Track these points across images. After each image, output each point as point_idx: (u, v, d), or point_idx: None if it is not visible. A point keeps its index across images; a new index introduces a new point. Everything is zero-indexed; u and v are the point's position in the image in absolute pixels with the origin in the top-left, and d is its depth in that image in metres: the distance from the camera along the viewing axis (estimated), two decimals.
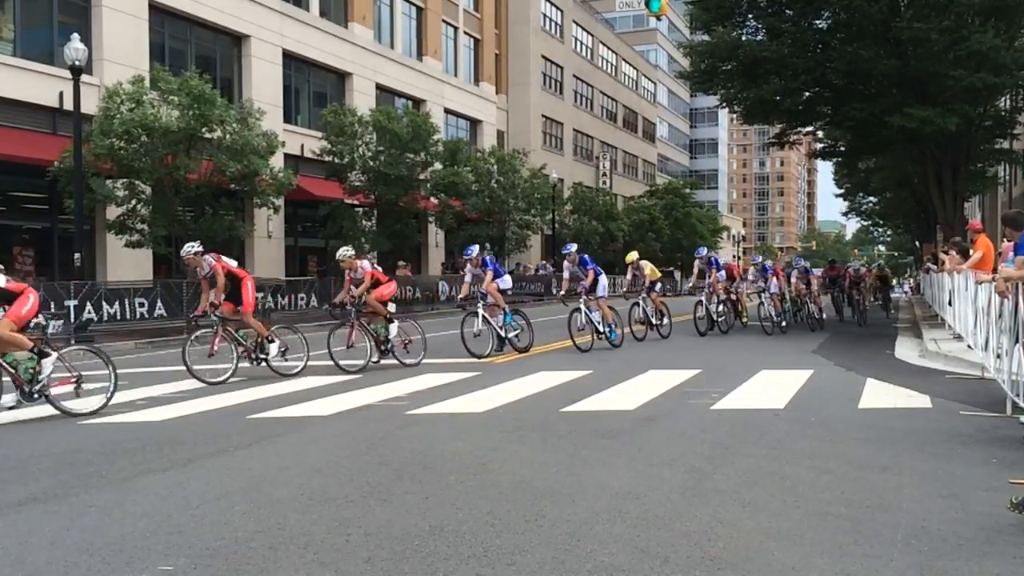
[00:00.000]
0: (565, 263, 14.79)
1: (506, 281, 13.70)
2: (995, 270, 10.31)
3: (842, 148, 34.38)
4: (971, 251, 13.36)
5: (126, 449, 6.56)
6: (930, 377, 10.31)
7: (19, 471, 5.89)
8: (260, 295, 21.23)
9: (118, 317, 17.86)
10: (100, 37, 23.25)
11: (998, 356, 8.09)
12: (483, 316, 12.70)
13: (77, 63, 17.62)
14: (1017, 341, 7.11)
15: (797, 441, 6.47)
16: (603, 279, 14.69)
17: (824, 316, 20.26)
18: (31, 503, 5.03)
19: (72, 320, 16.45)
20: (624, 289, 18.07)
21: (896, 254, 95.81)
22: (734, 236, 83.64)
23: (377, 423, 7.54)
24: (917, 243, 49.28)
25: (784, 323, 18.05)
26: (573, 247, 14.98)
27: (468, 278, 13.11)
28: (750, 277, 18.33)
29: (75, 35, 18.37)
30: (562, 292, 15.12)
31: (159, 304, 18.84)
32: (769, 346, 14.86)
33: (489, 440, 6.68)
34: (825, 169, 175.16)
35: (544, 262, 42.13)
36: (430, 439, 6.74)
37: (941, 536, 4.17)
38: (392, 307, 12.22)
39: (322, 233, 30.14)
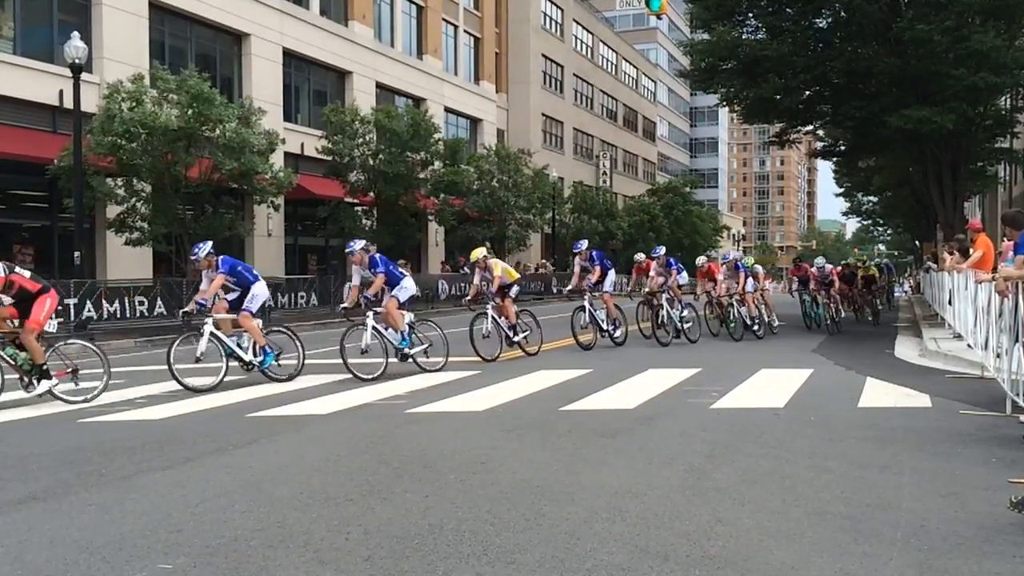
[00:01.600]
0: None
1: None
2: (995, 269, 10.31)
3: (842, 147, 34.39)
4: (971, 250, 13.35)
5: (126, 447, 6.56)
6: (930, 376, 10.31)
7: (19, 469, 5.89)
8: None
9: (118, 315, 17.87)
10: (100, 35, 23.25)
11: (998, 355, 8.10)
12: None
13: (77, 61, 17.62)
14: (1017, 340, 7.11)
15: (797, 440, 6.47)
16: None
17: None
18: (31, 501, 5.03)
19: (72, 318, 16.45)
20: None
21: (896, 253, 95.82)
22: (734, 235, 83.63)
23: (376, 422, 7.55)
24: (917, 243, 49.28)
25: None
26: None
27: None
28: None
29: (75, 33, 18.37)
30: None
31: (159, 302, 18.84)
32: (769, 345, 14.85)
33: (489, 439, 6.68)
34: (825, 168, 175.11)
35: (543, 261, 42.14)
36: (430, 438, 6.74)
37: (941, 535, 4.17)
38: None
39: (322, 232, 30.16)
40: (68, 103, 19.78)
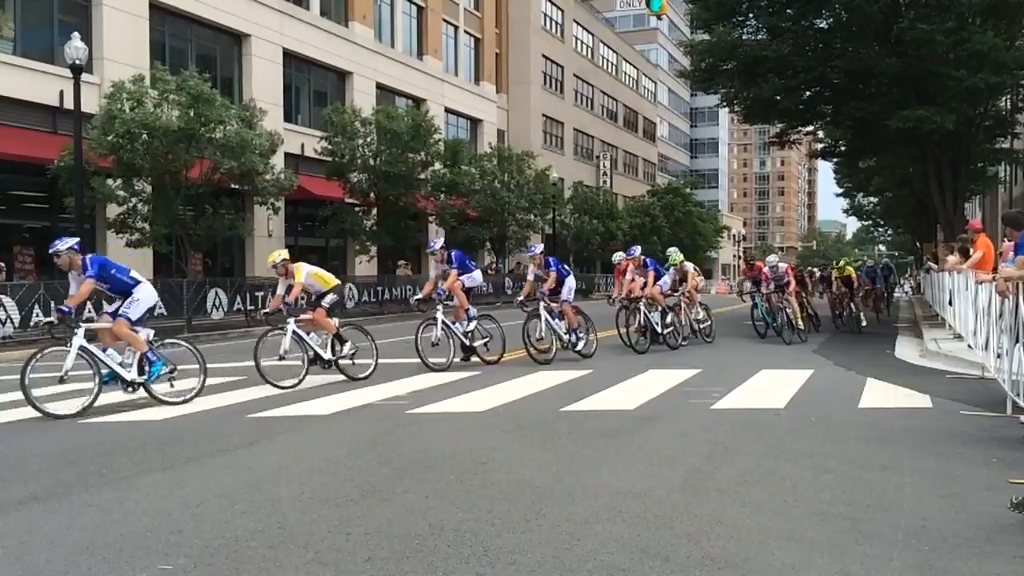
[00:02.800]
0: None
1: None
2: (995, 270, 10.30)
3: (842, 148, 34.38)
4: (971, 251, 13.35)
5: (126, 448, 6.56)
6: (930, 377, 10.31)
7: (19, 470, 5.89)
8: (260, 294, 21.34)
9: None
10: (100, 36, 23.25)
11: (998, 356, 8.09)
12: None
13: (77, 62, 17.62)
14: (1017, 341, 7.11)
15: (797, 441, 6.47)
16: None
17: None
18: (31, 502, 5.03)
19: (72, 319, 16.41)
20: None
21: (896, 254, 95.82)
22: (735, 236, 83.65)
23: (377, 422, 7.55)
24: (918, 243, 49.26)
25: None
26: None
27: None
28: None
29: (75, 34, 18.36)
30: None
31: (159, 303, 18.80)
32: (769, 346, 14.85)
33: (489, 439, 6.68)
34: (825, 169, 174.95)
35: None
36: (430, 438, 6.74)
37: (941, 536, 4.16)
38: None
39: (323, 233, 30.16)
40: (68, 104, 19.78)
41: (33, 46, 22.33)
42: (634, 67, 68.80)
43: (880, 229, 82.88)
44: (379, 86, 35.03)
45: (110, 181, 19.68)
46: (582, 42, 57.47)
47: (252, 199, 23.12)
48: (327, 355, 10.20)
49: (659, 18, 37.90)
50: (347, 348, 10.38)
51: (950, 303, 14.68)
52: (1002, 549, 3.97)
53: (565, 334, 12.44)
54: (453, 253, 11.56)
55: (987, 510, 4.54)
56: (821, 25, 24.35)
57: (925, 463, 5.69)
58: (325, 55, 32.11)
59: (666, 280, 14.72)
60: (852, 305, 19.09)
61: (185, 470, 5.80)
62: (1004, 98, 26.45)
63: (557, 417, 7.69)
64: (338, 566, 3.85)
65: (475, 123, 43.72)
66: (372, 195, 28.53)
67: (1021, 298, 7.02)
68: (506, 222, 35.31)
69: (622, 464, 5.76)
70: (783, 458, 5.87)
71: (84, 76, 18.56)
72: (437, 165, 31.42)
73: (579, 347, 12.53)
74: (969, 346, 11.27)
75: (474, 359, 11.80)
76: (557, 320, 12.41)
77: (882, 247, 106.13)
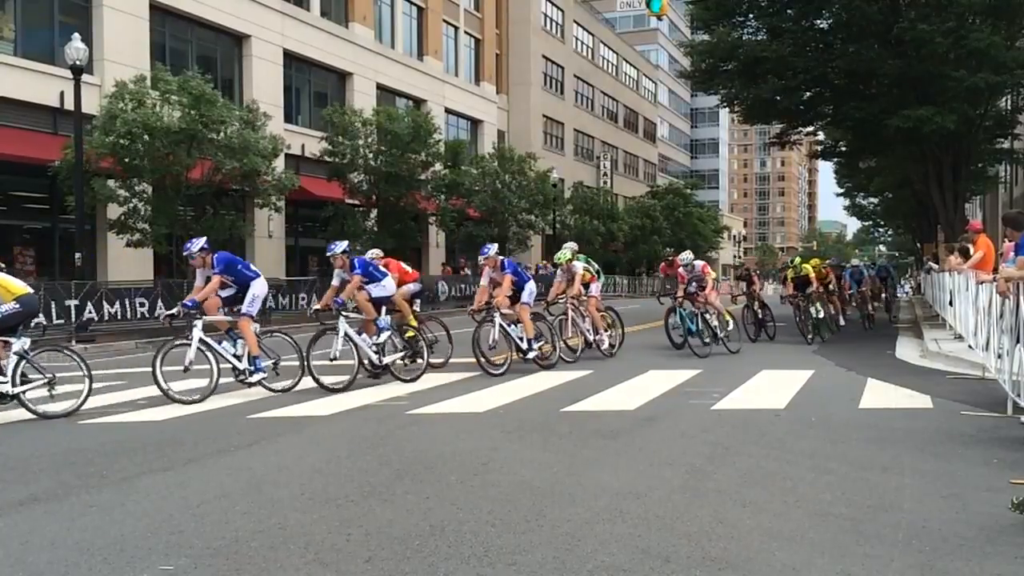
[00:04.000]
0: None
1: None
2: (996, 270, 10.30)
3: (842, 148, 34.39)
4: (971, 251, 13.36)
5: (127, 449, 6.56)
6: (931, 377, 10.30)
7: (20, 471, 5.89)
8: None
9: (119, 317, 17.85)
10: (101, 37, 23.26)
11: (999, 356, 8.09)
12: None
13: (78, 63, 17.63)
14: (1018, 341, 7.11)
15: (798, 441, 6.47)
16: (531, 286, 11.73)
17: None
18: (32, 503, 5.03)
19: (73, 320, 16.45)
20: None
21: (897, 254, 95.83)
22: (735, 236, 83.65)
23: (377, 423, 7.55)
24: (918, 244, 49.26)
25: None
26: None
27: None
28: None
29: (76, 35, 18.37)
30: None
31: (160, 304, 18.82)
32: (769, 346, 14.85)
33: (489, 440, 6.68)
34: (826, 169, 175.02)
35: (544, 262, 42.13)
36: (430, 439, 6.74)
37: (942, 536, 4.16)
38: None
39: (323, 234, 30.16)
40: (69, 104, 19.78)
41: (33, 47, 22.34)
42: (634, 68, 68.81)
43: (880, 229, 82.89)
44: (379, 87, 35.04)
45: (111, 182, 19.70)
46: (582, 43, 57.48)
47: (253, 200, 23.14)
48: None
49: (659, 19, 37.91)
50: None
51: (951, 303, 14.67)
52: (1003, 550, 3.97)
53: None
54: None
55: (988, 511, 4.53)
56: (821, 25, 24.35)
57: (926, 464, 5.69)
58: (325, 56, 32.12)
59: (531, 287, 11.70)
60: (815, 309, 15.78)
61: (186, 471, 5.80)
62: (1004, 98, 26.45)
63: (557, 418, 7.69)
64: (338, 567, 3.85)
65: (475, 124, 43.73)
66: (373, 196, 28.53)
67: (1021, 298, 7.02)
68: (507, 222, 35.32)
69: (622, 465, 5.76)
70: (784, 459, 5.87)
71: (84, 77, 18.57)
72: (437, 166, 31.42)
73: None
74: (970, 346, 11.26)
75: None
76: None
77: (882, 247, 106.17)
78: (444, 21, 40.80)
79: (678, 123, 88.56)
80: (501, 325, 10.91)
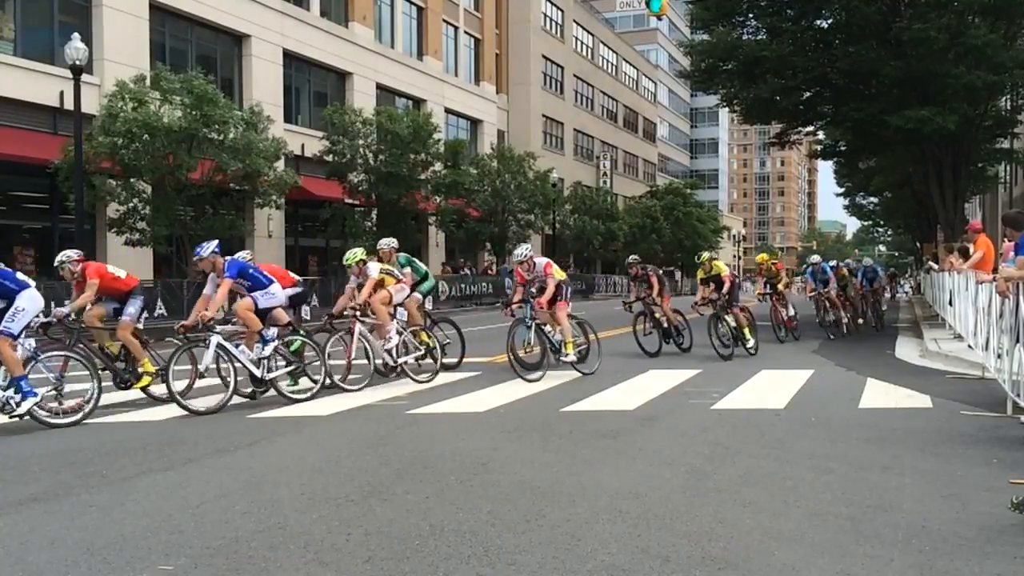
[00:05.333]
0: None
1: (272, 295, 9.10)
2: (995, 270, 10.31)
3: (842, 148, 34.40)
4: (971, 251, 13.36)
5: (127, 448, 6.56)
6: (931, 377, 10.31)
7: (19, 471, 5.89)
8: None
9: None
10: (101, 36, 23.25)
11: (999, 356, 8.09)
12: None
13: (78, 63, 17.62)
14: (1018, 341, 7.11)
15: (798, 441, 6.47)
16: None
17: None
18: (32, 503, 5.03)
19: (73, 319, 16.42)
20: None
21: (897, 254, 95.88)
22: (735, 236, 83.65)
23: (377, 423, 7.55)
24: (918, 243, 49.30)
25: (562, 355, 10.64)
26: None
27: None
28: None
29: (75, 35, 18.37)
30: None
31: (159, 304, 18.83)
32: (769, 346, 14.83)
33: (489, 440, 6.68)
34: (826, 169, 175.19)
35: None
36: (430, 439, 6.74)
37: (942, 536, 4.16)
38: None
39: (323, 234, 30.18)
40: (68, 104, 19.79)
41: (33, 47, 22.34)
42: (634, 67, 68.80)
43: (880, 229, 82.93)
44: (379, 87, 35.04)
45: (111, 181, 19.71)
46: (582, 43, 57.47)
47: (252, 200, 23.15)
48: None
49: (659, 18, 37.95)
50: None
51: (950, 303, 14.67)
52: (1003, 550, 3.97)
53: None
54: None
55: (988, 511, 4.53)
56: (821, 25, 24.36)
57: (926, 463, 5.69)
58: (325, 56, 32.12)
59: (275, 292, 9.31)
60: (731, 317, 12.93)
61: (185, 471, 5.80)
62: (1004, 98, 26.46)
63: (557, 418, 7.69)
64: (338, 566, 3.85)
65: (475, 124, 43.73)
66: (372, 196, 28.54)
67: (1021, 298, 7.02)
68: (507, 222, 35.34)
69: (622, 465, 5.76)
70: (783, 459, 5.87)
71: (84, 77, 18.56)
72: (437, 165, 31.43)
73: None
74: (969, 346, 11.26)
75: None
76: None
77: (882, 247, 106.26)
78: (444, 21, 40.79)
79: (678, 123, 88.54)
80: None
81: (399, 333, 10.11)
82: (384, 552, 4.02)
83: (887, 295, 26.78)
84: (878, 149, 29.48)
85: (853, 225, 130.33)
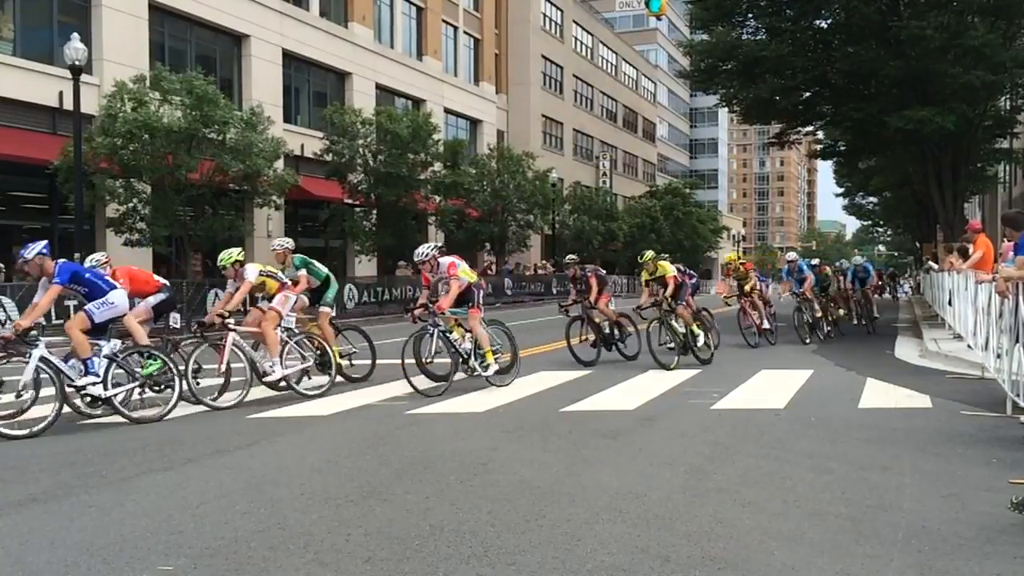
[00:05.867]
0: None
1: (111, 305, 8.14)
2: (995, 270, 10.30)
3: (842, 148, 34.42)
4: (971, 251, 13.37)
5: (126, 449, 6.56)
6: (930, 377, 10.30)
7: (19, 471, 5.89)
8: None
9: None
10: (100, 37, 23.24)
11: (998, 356, 8.09)
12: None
13: (77, 63, 17.61)
14: (1017, 341, 7.11)
15: (797, 441, 6.47)
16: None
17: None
18: (31, 503, 5.03)
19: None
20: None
21: (896, 254, 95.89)
22: (734, 236, 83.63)
23: (377, 423, 7.55)
24: (917, 243, 49.31)
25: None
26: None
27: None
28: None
29: (75, 35, 18.36)
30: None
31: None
32: (769, 346, 14.83)
33: (489, 440, 6.68)
34: (825, 169, 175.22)
35: (544, 261, 42.12)
36: (430, 439, 6.74)
37: (942, 536, 4.16)
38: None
39: (323, 234, 30.18)
40: (68, 104, 19.77)
41: (33, 47, 22.33)
42: (633, 67, 68.80)
43: (880, 229, 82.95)
44: (379, 87, 35.03)
45: (111, 181, 19.70)
46: (581, 42, 57.47)
47: (252, 200, 23.16)
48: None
49: (658, 18, 37.86)
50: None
51: (950, 303, 14.68)
52: (1002, 549, 3.97)
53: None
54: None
55: (987, 510, 4.53)
56: (820, 25, 24.37)
57: (925, 463, 5.69)
58: (325, 56, 32.11)
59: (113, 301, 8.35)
60: (678, 321, 11.74)
61: (185, 471, 5.80)
62: (1004, 98, 26.46)
63: (557, 418, 7.69)
64: (338, 566, 3.85)
65: (475, 124, 43.72)
66: (372, 196, 28.55)
67: (1021, 298, 7.02)
68: (507, 222, 35.35)
69: (622, 465, 5.76)
70: (783, 458, 5.87)
71: (83, 77, 18.55)
72: (437, 165, 31.43)
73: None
74: (969, 346, 11.27)
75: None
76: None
77: (882, 247, 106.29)
78: (443, 21, 40.78)
79: (677, 123, 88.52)
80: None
81: (283, 343, 9.12)
82: (384, 552, 4.02)
83: (886, 295, 26.38)
84: (878, 149, 29.50)
85: (853, 225, 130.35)
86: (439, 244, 11.13)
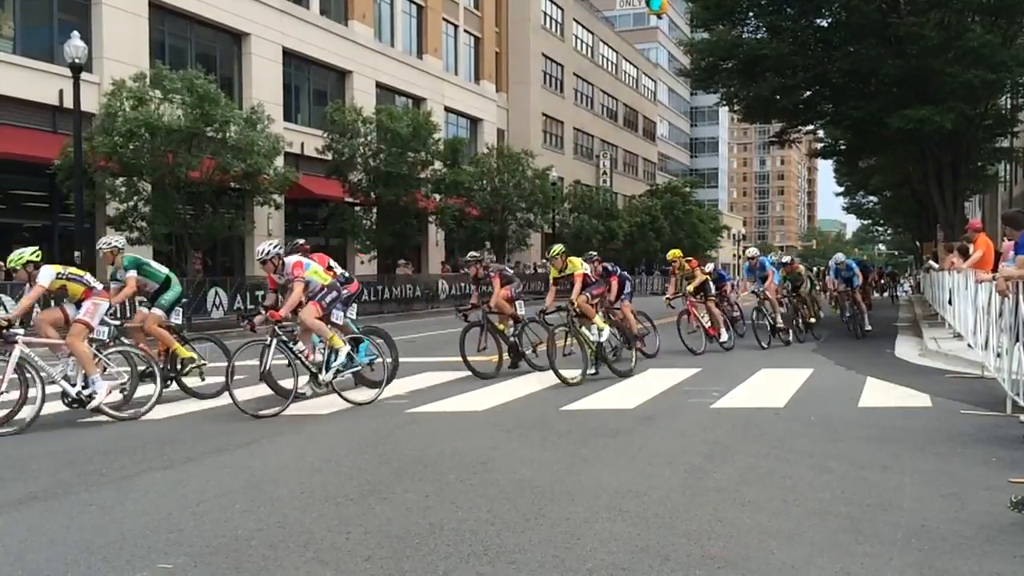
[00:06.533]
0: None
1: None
2: (995, 269, 10.31)
3: (842, 147, 34.41)
4: (971, 250, 13.36)
5: (126, 447, 6.56)
6: (930, 376, 10.30)
7: (19, 469, 5.89)
8: (261, 293, 21.33)
9: (118, 315, 17.79)
10: (100, 35, 23.23)
11: (998, 355, 8.09)
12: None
13: (77, 61, 17.60)
14: (1017, 340, 7.11)
15: (797, 440, 6.47)
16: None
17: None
18: (31, 501, 5.03)
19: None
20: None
21: (896, 253, 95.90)
22: (734, 235, 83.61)
23: (377, 422, 7.55)
24: (917, 242, 49.32)
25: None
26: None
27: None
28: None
29: (75, 33, 18.34)
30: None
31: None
32: (769, 346, 14.81)
33: (489, 439, 6.68)
34: (826, 168, 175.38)
35: (544, 260, 42.07)
36: (430, 437, 6.74)
37: (941, 535, 4.17)
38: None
39: (323, 233, 30.17)
40: (68, 103, 19.76)
41: (33, 45, 22.31)
42: (634, 66, 68.78)
43: (880, 228, 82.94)
44: (379, 85, 35.02)
45: (111, 179, 19.70)
46: (582, 41, 57.45)
47: (252, 198, 23.15)
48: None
49: (659, 17, 37.93)
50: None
51: (950, 302, 14.68)
52: (1002, 549, 3.97)
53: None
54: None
55: (987, 510, 4.54)
56: (821, 24, 24.37)
57: (925, 463, 5.69)
58: (325, 54, 32.10)
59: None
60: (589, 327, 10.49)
61: (185, 469, 5.80)
62: (1004, 97, 26.46)
63: (557, 416, 7.69)
64: (338, 565, 3.85)
65: (475, 122, 43.70)
66: (372, 195, 28.54)
67: (1021, 297, 7.02)
68: (506, 221, 35.34)
69: (622, 463, 5.76)
70: (783, 457, 5.87)
71: (84, 75, 18.54)
72: (437, 164, 31.43)
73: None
74: (969, 345, 11.27)
75: None
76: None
77: (882, 246, 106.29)
78: (444, 19, 40.76)
79: (678, 122, 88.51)
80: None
81: (94, 355, 8.09)
82: (384, 551, 4.02)
83: (885, 295, 25.89)
84: (878, 148, 29.49)
85: (853, 224, 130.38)
86: (298, 241, 10.32)
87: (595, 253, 12.60)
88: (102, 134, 19.10)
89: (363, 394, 8.84)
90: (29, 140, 21.29)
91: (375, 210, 29.43)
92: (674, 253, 14.43)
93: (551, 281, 10.96)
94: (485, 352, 10.54)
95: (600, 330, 10.42)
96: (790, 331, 14.66)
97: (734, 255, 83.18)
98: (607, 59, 62.26)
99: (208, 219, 21.34)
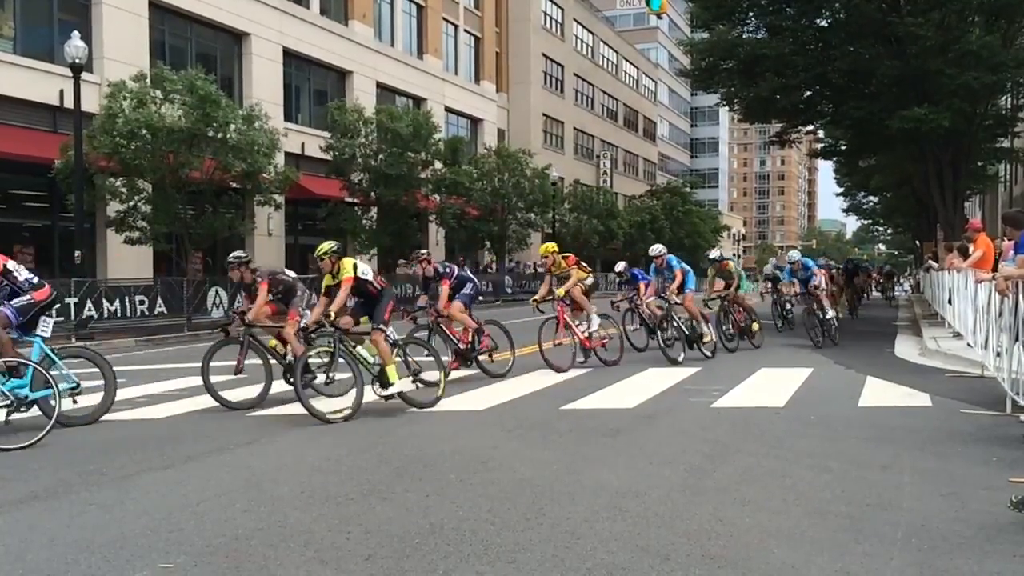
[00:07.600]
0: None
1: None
2: (995, 269, 10.30)
3: (842, 147, 34.40)
4: (971, 250, 13.37)
5: (126, 447, 6.56)
6: (930, 375, 10.30)
7: (19, 469, 5.89)
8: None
9: (118, 315, 17.87)
10: (100, 35, 23.25)
11: (998, 354, 8.09)
12: None
13: (77, 61, 17.61)
14: (1017, 339, 7.11)
15: (797, 439, 6.47)
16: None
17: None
18: (31, 501, 5.03)
19: (72, 318, 16.46)
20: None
21: (896, 253, 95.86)
22: (735, 235, 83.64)
23: (377, 421, 7.55)
24: (918, 242, 49.30)
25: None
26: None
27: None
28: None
29: (75, 33, 18.36)
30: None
31: (159, 302, 18.85)
32: (769, 345, 14.82)
33: (489, 438, 6.68)
34: (826, 168, 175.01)
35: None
36: (430, 437, 6.74)
37: (941, 535, 4.17)
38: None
39: (324, 232, 30.17)
40: (68, 103, 19.77)
41: (33, 45, 22.33)
42: (634, 66, 68.78)
43: (880, 228, 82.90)
44: (379, 85, 35.03)
45: (112, 179, 19.71)
46: (582, 41, 57.46)
47: (252, 198, 23.16)
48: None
49: (659, 17, 37.88)
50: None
51: (950, 302, 14.68)
52: (1002, 548, 3.97)
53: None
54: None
55: (987, 509, 4.54)
56: (821, 24, 24.37)
57: (925, 462, 5.69)
58: (325, 54, 32.12)
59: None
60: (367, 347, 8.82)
61: (185, 469, 5.81)
62: (1004, 97, 26.46)
63: (557, 416, 7.69)
64: (338, 564, 3.85)
65: (475, 122, 43.71)
66: (372, 195, 28.55)
67: (1021, 297, 7.02)
68: (506, 220, 35.33)
69: (622, 463, 5.76)
70: (783, 457, 5.87)
71: (84, 75, 18.55)
72: (437, 164, 31.44)
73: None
74: (969, 344, 11.27)
75: None
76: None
77: (882, 246, 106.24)
78: (444, 19, 40.78)
79: (678, 122, 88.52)
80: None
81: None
82: (384, 550, 4.03)
83: (866, 299, 25.31)
84: (878, 148, 29.49)
85: (854, 224, 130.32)
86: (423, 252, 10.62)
87: (424, 251, 10.73)
88: (103, 134, 19.10)
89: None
90: (29, 140, 21.30)
91: (375, 210, 29.44)
92: (546, 248, 11.90)
93: (323, 290, 8.53)
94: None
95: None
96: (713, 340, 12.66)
97: (734, 254, 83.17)
98: (607, 59, 62.27)
99: (208, 219, 21.35)
